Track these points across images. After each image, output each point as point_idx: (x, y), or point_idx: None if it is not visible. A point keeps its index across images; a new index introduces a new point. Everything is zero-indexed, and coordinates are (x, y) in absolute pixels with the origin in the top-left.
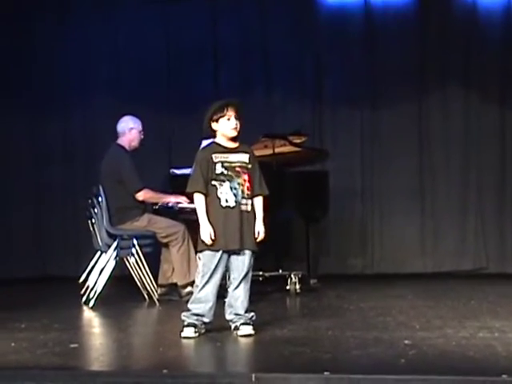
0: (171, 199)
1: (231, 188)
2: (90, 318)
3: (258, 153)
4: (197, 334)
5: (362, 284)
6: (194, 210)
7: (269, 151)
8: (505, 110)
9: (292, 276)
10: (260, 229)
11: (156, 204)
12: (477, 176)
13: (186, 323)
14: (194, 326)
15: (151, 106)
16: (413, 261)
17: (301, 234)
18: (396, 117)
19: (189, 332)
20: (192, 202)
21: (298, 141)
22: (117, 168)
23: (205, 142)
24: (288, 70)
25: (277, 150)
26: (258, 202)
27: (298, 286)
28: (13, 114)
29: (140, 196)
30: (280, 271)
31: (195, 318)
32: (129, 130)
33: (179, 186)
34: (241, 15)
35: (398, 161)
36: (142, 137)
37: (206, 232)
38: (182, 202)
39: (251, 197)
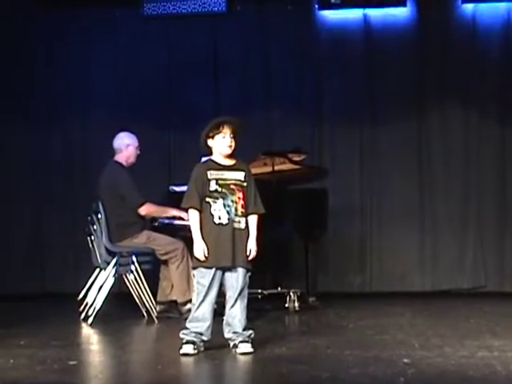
0: (173, 212)
1: (224, 205)
2: (89, 335)
3: (257, 170)
4: (196, 351)
5: (361, 302)
6: None
7: (268, 169)
8: (504, 128)
9: (291, 294)
10: (252, 247)
11: (156, 220)
12: (476, 194)
13: (184, 340)
14: (193, 342)
15: (151, 122)
16: (412, 279)
17: (300, 251)
18: (395, 134)
19: (188, 349)
20: None
21: (298, 159)
22: (115, 185)
23: (204, 160)
24: (288, 87)
25: (276, 168)
26: (252, 220)
27: (296, 304)
28: (11, 129)
29: (142, 211)
30: (279, 289)
31: (194, 335)
32: (125, 146)
33: (179, 202)
34: (241, 32)
35: (396, 179)
36: (139, 152)
37: (199, 248)
38: (184, 217)
39: (245, 215)
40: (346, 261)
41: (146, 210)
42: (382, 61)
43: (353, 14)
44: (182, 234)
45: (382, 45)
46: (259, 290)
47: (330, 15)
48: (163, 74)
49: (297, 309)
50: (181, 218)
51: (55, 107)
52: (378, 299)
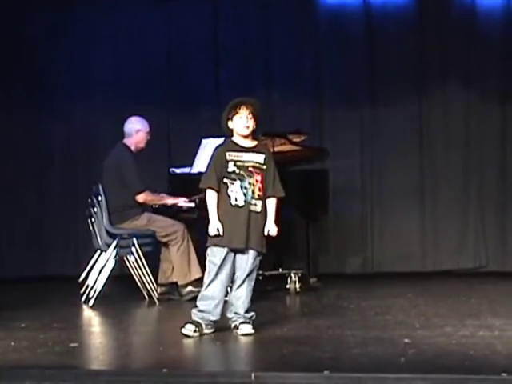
0: (169, 201)
1: (241, 187)
2: (90, 317)
3: None
4: (196, 334)
5: (362, 283)
6: (192, 209)
7: None
8: (505, 109)
9: (292, 275)
10: (271, 227)
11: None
12: (477, 174)
13: (190, 320)
14: (197, 324)
15: (151, 105)
16: (413, 259)
17: (301, 232)
18: (396, 116)
19: (188, 330)
20: (191, 201)
21: (298, 139)
22: (119, 167)
23: (205, 141)
24: (288, 69)
25: (276, 149)
26: (271, 203)
27: (298, 285)
28: (12, 113)
29: (140, 198)
30: (280, 270)
31: (201, 315)
32: (136, 131)
33: (178, 185)
34: (241, 15)
35: (398, 159)
36: (149, 138)
37: (214, 227)
38: (180, 203)
39: (263, 198)
40: (347, 241)
41: (143, 197)
42: (382, 42)
43: None
44: (183, 216)
45: (382, 26)
46: (260, 271)
47: None
48: (164, 56)
49: (298, 290)
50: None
51: (56, 91)
52: (379, 280)
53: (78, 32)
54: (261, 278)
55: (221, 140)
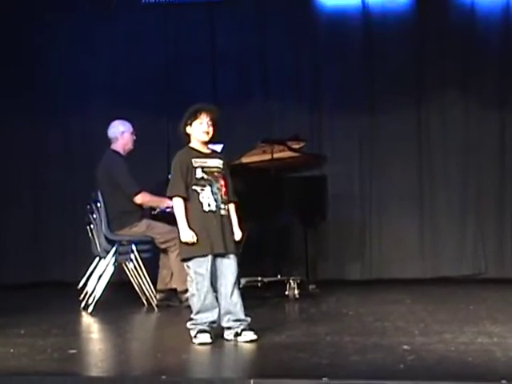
0: (170, 203)
1: (212, 193)
2: (89, 323)
3: (256, 158)
4: (212, 340)
5: (361, 289)
6: None
7: (267, 157)
8: (504, 116)
9: (291, 281)
10: (237, 230)
11: (154, 209)
12: (476, 181)
13: (198, 330)
14: (208, 331)
15: (149, 112)
16: (412, 266)
17: (299, 239)
18: (394, 122)
19: (205, 338)
20: None
21: (297, 146)
22: (112, 173)
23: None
24: (286, 75)
25: (275, 156)
26: (232, 207)
27: (296, 292)
28: (11, 119)
29: (138, 199)
30: (279, 277)
31: (206, 324)
32: (120, 134)
33: None
34: (239, 21)
35: (396, 166)
36: (135, 137)
37: (188, 235)
38: None
39: (227, 202)
40: (345, 248)
41: (141, 198)
42: (381, 49)
43: (351, 1)
44: None
45: (381, 33)
46: (259, 278)
47: (328, 2)
48: (161, 63)
49: (296, 296)
50: None
51: (54, 97)
52: (377, 286)
53: (75, 39)
54: (259, 284)
55: (219, 146)
